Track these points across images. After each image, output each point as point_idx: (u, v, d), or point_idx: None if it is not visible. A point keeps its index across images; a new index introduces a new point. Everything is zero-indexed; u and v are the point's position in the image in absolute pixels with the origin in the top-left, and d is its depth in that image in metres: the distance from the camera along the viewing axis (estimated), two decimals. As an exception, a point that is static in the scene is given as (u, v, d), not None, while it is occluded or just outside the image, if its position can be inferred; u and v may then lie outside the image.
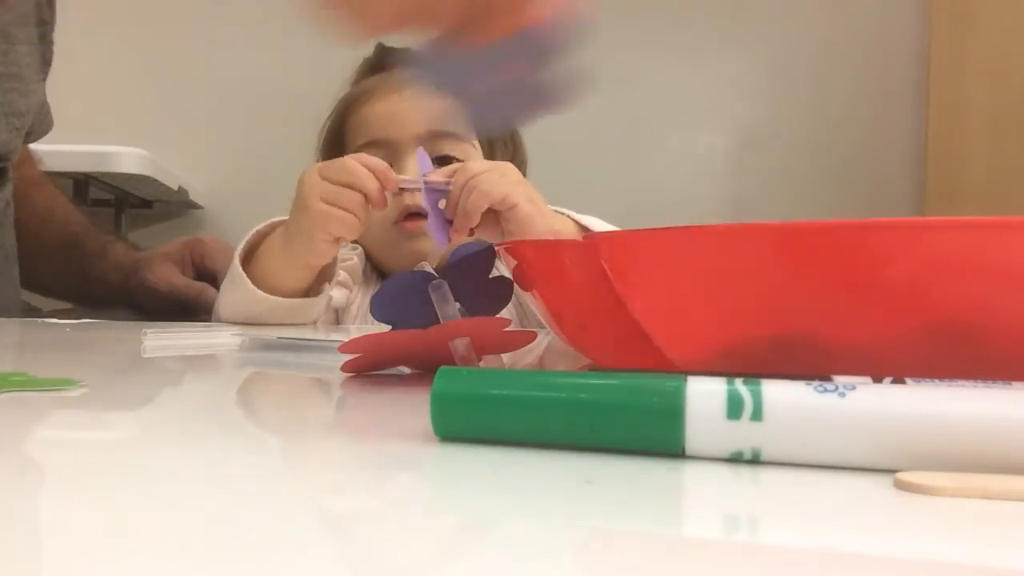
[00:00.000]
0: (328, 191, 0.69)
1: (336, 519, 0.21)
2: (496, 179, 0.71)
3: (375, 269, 0.96)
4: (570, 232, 0.79)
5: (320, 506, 0.23)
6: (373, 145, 0.86)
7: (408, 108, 0.89)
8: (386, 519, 0.21)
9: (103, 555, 0.17)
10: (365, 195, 0.69)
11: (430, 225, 0.70)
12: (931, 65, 1.91)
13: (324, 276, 0.79)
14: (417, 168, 0.86)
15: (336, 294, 0.89)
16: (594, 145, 1.91)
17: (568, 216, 0.81)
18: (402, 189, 0.79)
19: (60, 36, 1.90)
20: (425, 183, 0.70)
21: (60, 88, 1.89)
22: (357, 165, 0.71)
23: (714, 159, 1.95)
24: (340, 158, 0.73)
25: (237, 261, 0.77)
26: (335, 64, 1.83)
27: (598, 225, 0.81)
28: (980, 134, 1.77)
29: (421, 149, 0.73)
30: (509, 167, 0.75)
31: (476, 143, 0.93)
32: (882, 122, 1.94)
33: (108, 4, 1.89)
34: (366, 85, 0.96)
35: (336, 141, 0.95)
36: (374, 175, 0.70)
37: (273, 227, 0.79)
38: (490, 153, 0.93)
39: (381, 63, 1.01)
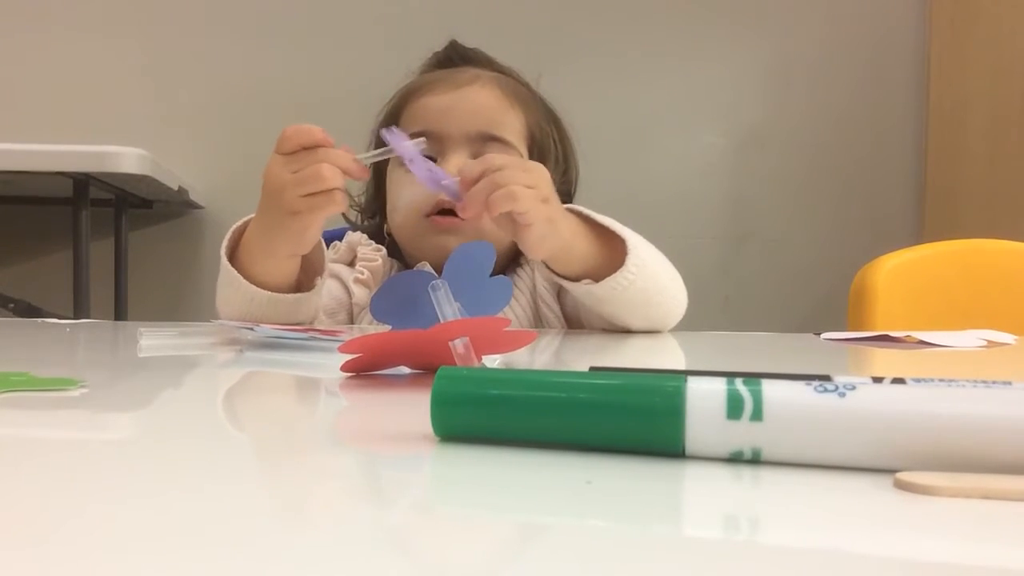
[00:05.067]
0: (299, 180, 0.68)
1: (336, 519, 0.21)
2: (524, 190, 0.69)
3: (397, 266, 0.95)
4: (582, 248, 0.77)
5: (320, 506, 0.23)
6: (423, 135, 0.84)
7: (465, 105, 0.89)
8: (386, 518, 0.21)
9: (103, 554, 0.17)
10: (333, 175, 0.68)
11: (420, 177, 0.70)
12: (931, 65, 1.91)
13: (314, 270, 0.79)
14: (456, 163, 0.85)
15: (358, 292, 0.90)
16: (595, 145, 1.91)
17: (582, 214, 0.79)
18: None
19: (61, 36, 1.90)
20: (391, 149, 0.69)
21: (60, 88, 1.90)
22: (305, 128, 0.69)
23: (714, 159, 1.95)
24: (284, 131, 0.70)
25: (225, 260, 0.76)
26: (336, 65, 1.84)
27: (616, 226, 0.79)
28: (980, 134, 1.77)
29: (393, 128, 0.72)
30: (542, 174, 0.72)
31: (524, 153, 0.92)
32: (882, 122, 1.94)
33: (108, 4, 1.89)
34: (429, 76, 0.96)
35: (391, 126, 0.93)
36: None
37: (248, 224, 0.77)
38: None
39: (449, 58, 1.01)
